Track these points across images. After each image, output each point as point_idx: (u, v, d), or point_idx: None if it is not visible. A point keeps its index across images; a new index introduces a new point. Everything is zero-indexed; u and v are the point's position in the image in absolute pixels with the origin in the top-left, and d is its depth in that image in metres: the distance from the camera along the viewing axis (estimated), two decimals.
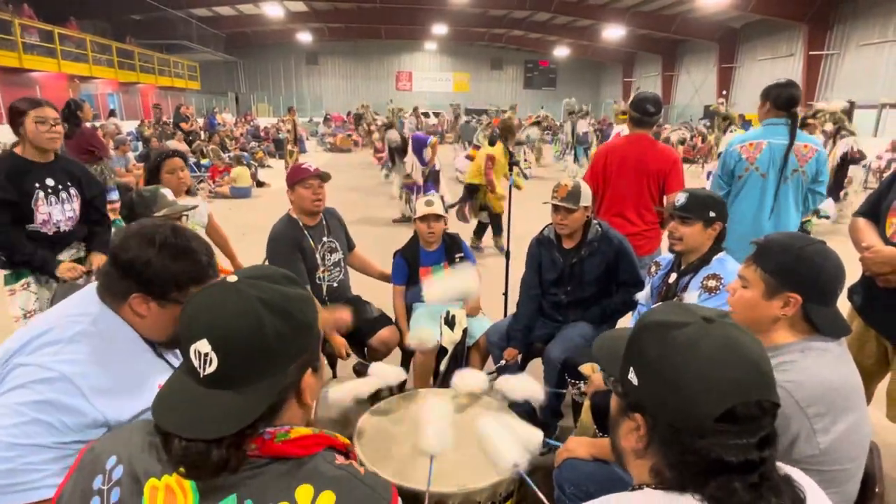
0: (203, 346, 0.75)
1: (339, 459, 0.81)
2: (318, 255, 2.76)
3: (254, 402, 0.76)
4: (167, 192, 2.13)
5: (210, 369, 0.75)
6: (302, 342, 0.81)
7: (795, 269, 1.30)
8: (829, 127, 7.09)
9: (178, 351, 1.37)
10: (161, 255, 1.20)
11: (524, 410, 2.55)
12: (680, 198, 2.10)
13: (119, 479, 0.79)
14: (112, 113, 15.02)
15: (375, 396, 2.81)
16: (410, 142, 7.27)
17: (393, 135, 7.44)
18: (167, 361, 1.33)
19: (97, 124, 10.78)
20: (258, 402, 0.76)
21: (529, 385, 2.07)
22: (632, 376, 0.84)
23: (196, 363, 0.76)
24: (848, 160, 7.27)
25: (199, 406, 0.75)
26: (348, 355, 2.66)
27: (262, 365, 0.77)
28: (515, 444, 1.64)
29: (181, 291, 1.25)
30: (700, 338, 0.79)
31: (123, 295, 1.22)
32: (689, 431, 0.77)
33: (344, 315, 2.53)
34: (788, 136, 2.69)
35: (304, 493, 0.74)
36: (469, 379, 2.20)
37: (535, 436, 1.82)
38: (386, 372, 2.22)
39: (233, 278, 0.80)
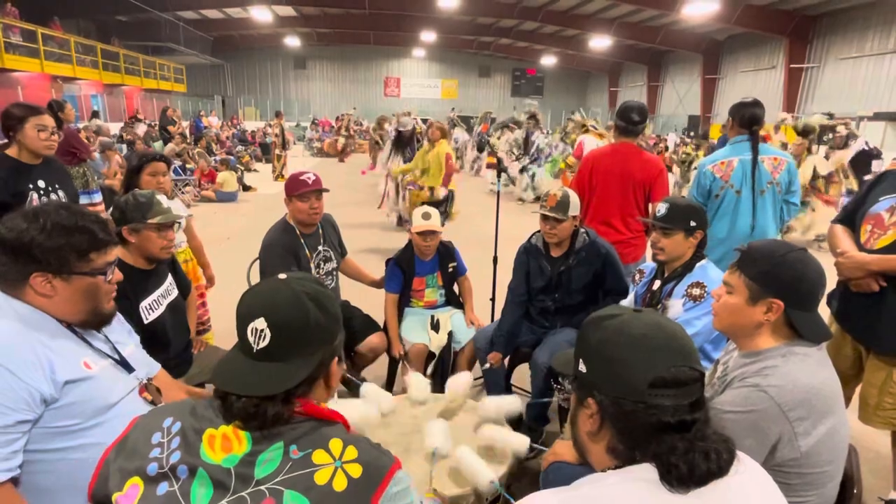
0: (260, 323, 0.92)
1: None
2: (312, 264, 2.75)
3: (296, 371, 0.93)
4: (162, 199, 2.08)
5: (263, 343, 0.92)
6: (334, 330, 0.99)
7: (777, 275, 1.33)
8: (842, 130, 7.18)
9: (98, 333, 1.37)
10: (49, 232, 1.21)
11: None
12: (661, 208, 2.12)
13: (179, 430, 0.94)
14: (95, 114, 14.80)
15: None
16: None
17: (408, 120, 7.14)
18: (89, 344, 1.32)
19: (81, 125, 10.63)
20: (299, 370, 0.93)
21: (508, 403, 2.05)
22: (581, 367, 0.97)
23: (251, 339, 0.93)
24: (867, 154, 7.33)
25: (253, 373, 0.92)
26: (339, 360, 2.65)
27: (304, 343, 0.94)
28: (486, 466, 1.68)
29: (81, 260, 1.26)
30: (630, 321, 0.94)
31: (22, 277, 1.22)
32: (630, 400, 0.89)
33: None
34: (751, 152, 2.75)
35: (335, 444, 0.92)
36: (457, 382, 2.20)
37: (523, 442, 1.83)
38: (379, 397, 2.11)
39: (283, 276, 0.99)
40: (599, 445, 0.95)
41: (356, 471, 0.90)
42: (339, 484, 0.88)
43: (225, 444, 0.91)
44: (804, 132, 6.58)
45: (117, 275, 1.37)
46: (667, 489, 0.84)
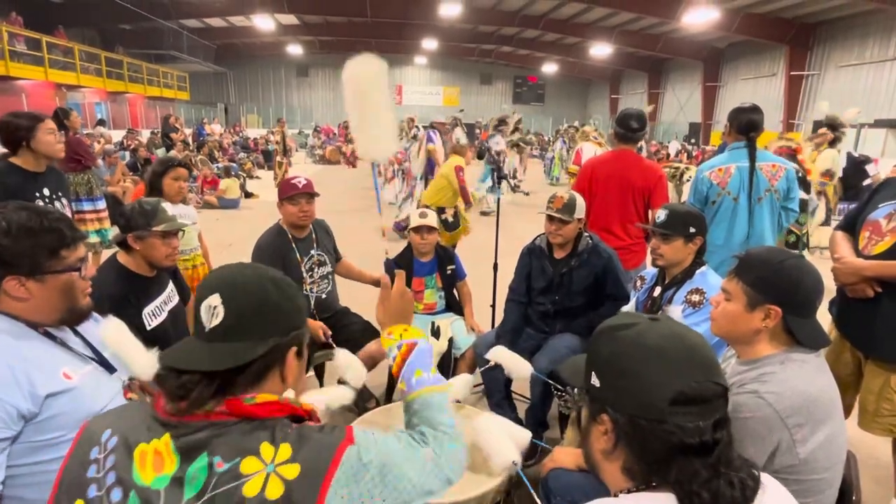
0: (214, 299, 0.87)
1: (294, 426, 0.87)
2: (303, 268, 2.77)
3: (245, 351, 0.86)
4: (168, 207, 2.10)
5: (216, 321, 0.86)
6: (294, 320, 0.93)
7: (775, 282, 1.34)
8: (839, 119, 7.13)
9: (75, 337, 1.35)
10: (15, 235, 1.19)
11: (510, 420, 2.57)
12: (660, 215, 2.13)
13: (114, 447, 0.87)
14: (100, 122, 14.89)
15: (363, 408, 2.82)
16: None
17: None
18: (68, 348, 1.31)
19: (86, 132, 10.70)
20: (248, 351, 0.86)
21: (519, 362, 2.03)
22: (594, 380, 0.91)
23: (204, 318, 0.87)
24: (857, 161, 7.26)
25: (199, 352, 0.86)
26: (327, 338, 2.65)
27: (259, 324, 0.88)
28: (512, 442, 1.63)
29: (54, 259, 1.24)
30: (646, 331, 0.88)
31: None
32: (649, 418, 0.82)
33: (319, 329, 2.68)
34: (748, 159, 2.75)
35: (266, 448, 0.82)
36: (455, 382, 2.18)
37: (524, 435, 1.83)
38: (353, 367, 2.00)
39: (247, 262, 0.92)
40: (614, 465, 0.90)
41: (292, 472, 0.80)
42: (273, 491, 0.78)
43: (156, 461, 0.83)
44: (833, 125, 6.55)
45: (90, 270, 1.37)
46: None
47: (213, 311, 0.86)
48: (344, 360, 2.04)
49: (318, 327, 2.67)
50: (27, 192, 2.63)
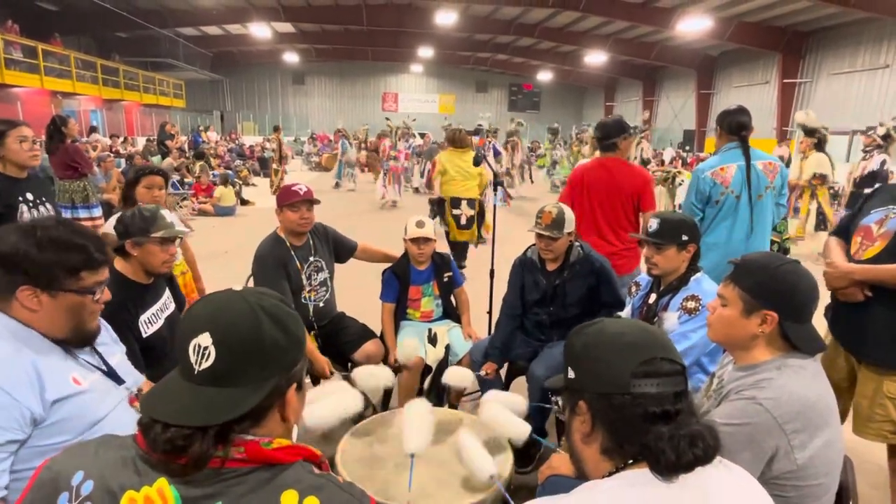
0: (204, 339, 0.78)
1: (316, 470, 0.83)
2: (303, 275, 2.77)
3: (242, 398, 0.78)
4: (167, 214, 2.09)
5: (206, 364, 0.78)
6: (293, 355, 0.85)
7: (771, 287, 1.35)
8: (882, 130, 6.74)
9: (86, 350, 1.35)
10: (42, 247, 1.20)
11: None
12: (652, 224, 2.14)
13: (89, 494, 0.77)
14: (94, 129, 14.86)
15: (359, 416, 2.81)
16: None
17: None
18: (76, 357, 1.30)
19: (82, 139, 10.68)
20: (246, 399, 0.78)
21: (513, 400, 2.07)
22: (570, 373, 1.02)
23: (193, 358, 0.78)
24: (878, 174, 6.69)
25: (189, 398, 0.77)
26: (331, 373, 2.67)
27: (256, 366, 0.80)
28: (490, 457, 1.66)
29: (71, 278, 1.24)
30: (609, 324, 1.03)
31: (9, 290, 1.21)
32: (617, 393, 0.93)
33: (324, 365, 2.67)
34: (744, 157, 2.80)
35: (289, 497, 0.75)
36: (457, 375, 2.28)
37: (523, 428, 1.84)
38: (374, 374, 2.25)
39: (238, 287, 0.86)
40: (593, 448, 0.98)
41: None
42: None
43: None
44: (809, 131, 6.61)
45: (106, 294, 1.36)
46: (659, 480, 0.87)
47: (202, 352, 0.77)
48: (364, 373, 2.23)
49: (323, 364, 2.65)
50: (10, 196, 2.64)
